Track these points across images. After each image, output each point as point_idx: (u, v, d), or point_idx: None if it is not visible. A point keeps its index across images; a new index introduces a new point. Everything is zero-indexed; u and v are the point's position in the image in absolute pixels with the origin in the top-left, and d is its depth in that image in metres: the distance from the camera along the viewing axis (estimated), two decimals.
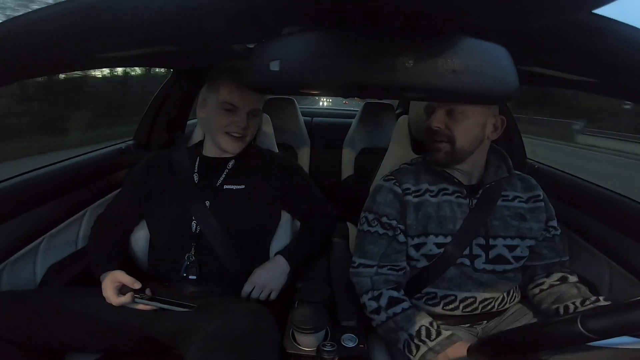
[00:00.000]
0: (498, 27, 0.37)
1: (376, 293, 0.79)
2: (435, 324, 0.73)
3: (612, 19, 0.39)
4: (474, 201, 0.81)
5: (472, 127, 0.78)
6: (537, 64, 0.66)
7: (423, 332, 0.72)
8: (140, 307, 0.78)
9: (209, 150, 0.97)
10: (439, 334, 0.71)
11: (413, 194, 0.82)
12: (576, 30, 0.42)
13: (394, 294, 0.79)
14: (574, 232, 1.05)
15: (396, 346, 0.75)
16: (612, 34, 0.41)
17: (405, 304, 0.77)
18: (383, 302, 0.78)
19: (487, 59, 0.36)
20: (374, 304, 0.78)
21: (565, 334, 0.47)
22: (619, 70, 0.51)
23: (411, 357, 0.71)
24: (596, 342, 0.47)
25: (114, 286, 0.78)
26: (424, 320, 0.74)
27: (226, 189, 0.93)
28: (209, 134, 0.95)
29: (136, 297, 0.77)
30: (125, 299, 0.76)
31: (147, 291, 0.80)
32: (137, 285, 0.79)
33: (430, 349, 0.69)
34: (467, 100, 0.71)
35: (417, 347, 0.71)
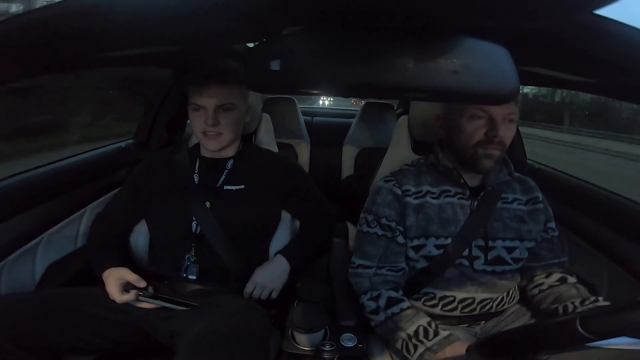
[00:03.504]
0: (499, 28, 0.37)
1: (375, 293, 0.79)
2: (433, 324, 0.73)
3: (613, 20, 0.39)
4: (475, 203, 0.81)
5: (514, 131, 0.77)
6: (538, 65, 0.66)
7: (421, 332, 0.72)
8: (143, 305, 0.78)
9: (206, 151, 0.97)
10: (436, 334, 0.71)
11: (413, 196, 0.82)
12: (577, 31, 0.42)
13: (393, 294, 0.79)
14: (573, 233, 1.05)
15: (395, 346, 0.75)
16: (613, 34, 0.41)
17: (404, 304, 0.77)
18: (382, 302, 0.78)
19: (487, 60, 0.36)
20: (372, 305, 0.78)
21: (564, 334, 0.47)
22: (620, 71, 0.51)
23: (409, 357, 0.71)
24: (594, 343, 0.47)
25: (119, 283, 0.78)
26: (422, 320, 0.74)
27: (226, 189, 0.93)
28: None
29: (139, 294, 0.77)
30: (129, 296, 0.77)
31: (150, 289, 0.80)
32: (142, 283, 0.79)
33: (428, 349, 0.69)
34: (468, 101, 0.70)
35: (415, 347, 0.71)
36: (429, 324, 0.73)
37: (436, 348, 0.69)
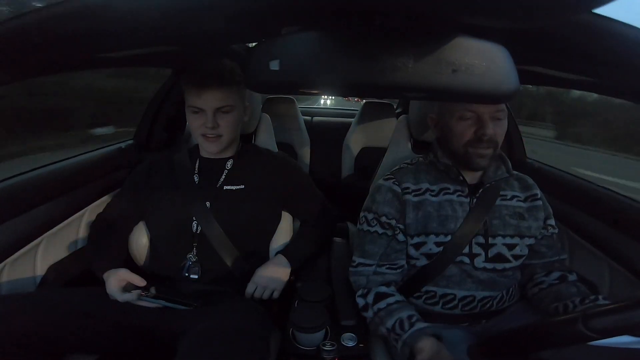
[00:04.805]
0: (499, 27, 0.37)
1: (365, 290, 0.80)
2: (414, 317, 0.73)
3: (612, 19, 0.40)
4: (474, 200, 0.81)
5: (505, 128, 0.78)
6: (538, 64, 0.66)
7: (397, 325, 0.72)
8: (144, 305, 0.78)
9: (205, 152, 0.97)
10: (411, 326, 0.71)
11: (413, 193, 0.82)
12: (576, 30, 0.42)
13: (382, 289, 0.79)
14: (573, 231, 1.05)
15: (390, 343, 0.75)
16: (612, 33, 0.41)
17: (391, 299, 0.77)
18: (370, 298, 0.78)
19: (487, 59, 0.36)
20: (362, 302, 0.79)
21: (566, 332, 0.46)
22: (619, 70, 0.51)
23: (398, 352, 0.72)
24: (596, 342, 0.47)
25: (120, 284, 0.78)
26: (402, 314, 0.73)
27: (226, 189, 0.93)
28: None
29: (141, 294, 0.78)
30: (131, 296, 0.77)
31: (152, 289, 0.81)
32: (143, 283, 0.79)
33: (404, 343, 0.69)
34: (468, 100, 0.71)
35: (396, 341, 0.71)
36: (409, 317, 0.72)
37: (410, 341, 0.68)
